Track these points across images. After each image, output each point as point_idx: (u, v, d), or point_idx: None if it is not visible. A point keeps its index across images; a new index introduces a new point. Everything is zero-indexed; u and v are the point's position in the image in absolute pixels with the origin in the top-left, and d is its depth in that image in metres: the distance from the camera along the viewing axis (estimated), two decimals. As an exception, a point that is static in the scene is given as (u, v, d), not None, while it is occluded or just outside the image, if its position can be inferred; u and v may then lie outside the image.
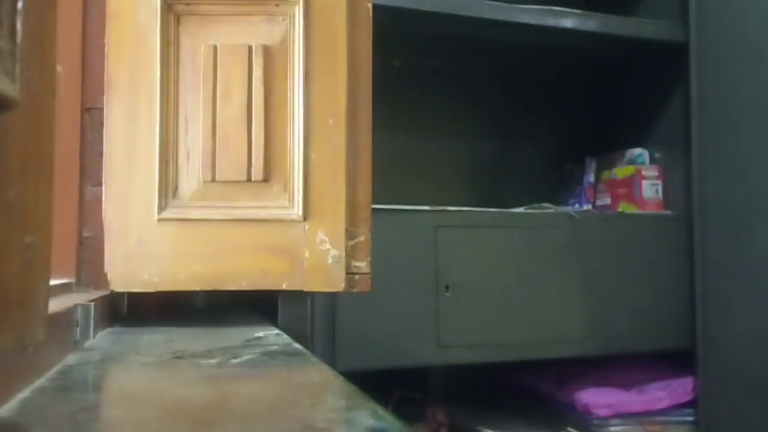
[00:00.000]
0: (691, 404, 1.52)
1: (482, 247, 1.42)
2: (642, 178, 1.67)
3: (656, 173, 1.68)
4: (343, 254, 0.83)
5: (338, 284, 0.83)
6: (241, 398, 0.46)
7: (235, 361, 0.59)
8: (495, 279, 1.41)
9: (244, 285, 0.83)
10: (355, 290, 0.85)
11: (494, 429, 1.49)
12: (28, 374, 0.45)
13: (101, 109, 0.84)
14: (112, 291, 0.82)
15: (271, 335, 0.75)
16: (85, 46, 0.85)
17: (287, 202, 0.84)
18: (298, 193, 0.83)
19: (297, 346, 0.68)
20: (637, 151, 1.72)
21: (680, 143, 1.61)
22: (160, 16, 0.83)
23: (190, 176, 0.83)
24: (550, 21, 1.52)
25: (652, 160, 1.70)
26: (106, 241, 0.82)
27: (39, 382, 0.47)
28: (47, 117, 0.40)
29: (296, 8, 0.84)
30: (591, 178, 1.81)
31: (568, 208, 1.67)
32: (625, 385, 1.52)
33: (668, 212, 1.64)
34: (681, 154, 1.61)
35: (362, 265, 0.85)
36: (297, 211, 0.83)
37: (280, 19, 0.85)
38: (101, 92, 0.83)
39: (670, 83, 1.66)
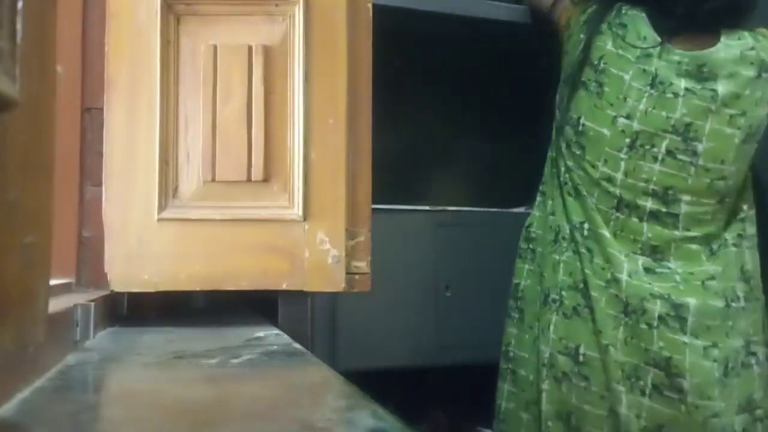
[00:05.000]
0: (691, 404, 1.52)
1: (482, 247, 1.42)
2: (642, 178, 1.66)
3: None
4: (343, 254, 0.83)
5: (338, 284, 0.83)
6: (241, 398, 0.46)
7: (235, 361, 0.59)
8: (495, 279, 1.41)
9: (244, 285, 0.83)
10: (355, 290, 0.85)
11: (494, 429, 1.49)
12: (28, 374, 0.45)
13: (101, 109, 0.84)
14: (112, 291, 0.82)
15: (271, 335, 0.75)
16: (85, 46, 0.85)
17: (287, 202, 0.84)
18: (298, 193, 0.83)
19: (297, 346, 0.68)
20: (637, 151, 1.72)
21: (680, 143, 1.61)
22: (160, 16, 0.83)
23: (190, 176, 0.83)
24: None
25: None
26: (106, 241, 0.82)
27: (39, 382, 0.47)
28: (47, 117, 0.41)
29: (296, 8, 0.84)
30: (591, 178, 1.81)
31: (568, 208, 1.67)
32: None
33: (668, 212, 1.64)
34: (681, 154, 1.61)
35: (362, 265, 0.85)
36: (297, 211, 0.83)
37: (280, 19, 0.85)
38: (101, 92, 0.83)
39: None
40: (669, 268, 1.14)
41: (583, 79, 1.21)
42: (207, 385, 0.51)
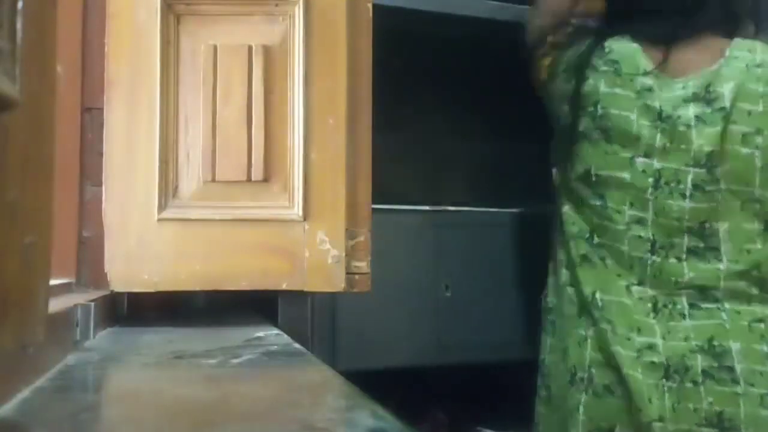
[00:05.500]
0: (691, 404, 1.51)
1: (482, 247, 1.42)
2: (642, 178, 1.66)
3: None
4: (343, 254, 0.83)
5: (338, 284, 0.83)
6: (241, 398, 0.46)
7: (235, 361, 0.59)
8: (495, 279, 1.41)
9: (244, 285, 0.83)
10: (355, 290, 0.85)
11: (494, 429, 1.49)
12: (28, 374, 0.45)
13: (101, 109, 0.84)
14: (112, 291, 0.82)
15: (271, 335, 0.75)
16: (85, 46, 0.85)
17: (287, 202, 0.84)
18: (298, 193, 0.83)
19: (297, 346, 0.68)
20: (637, 151, 1.72)
21: (680, 143, 1.61)
22: (160, 16, 0.83)
23: (190, 176, 0.83)
24: (550, 21, 1.52)
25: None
26: (106, 241, 0.82)
27: (39, 382, 0.47)
28: (47, 117, 0.41)
29: (296, 8, 0.84)
30: (591, 178, 1.80)
31: (568, 208, 1.67)
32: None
33: (668, 212, 1.63)
34: (681, 154, 1.61)
35: (362, 265, 0.85)
36: (297, 211, 0.83)
37: (280, 19, 0.85)
38: (101, 92, 0.83)
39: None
40: (716, 300, 1.06)
41: (581, 129, 1.14)
42: (207, 385, 0.51)
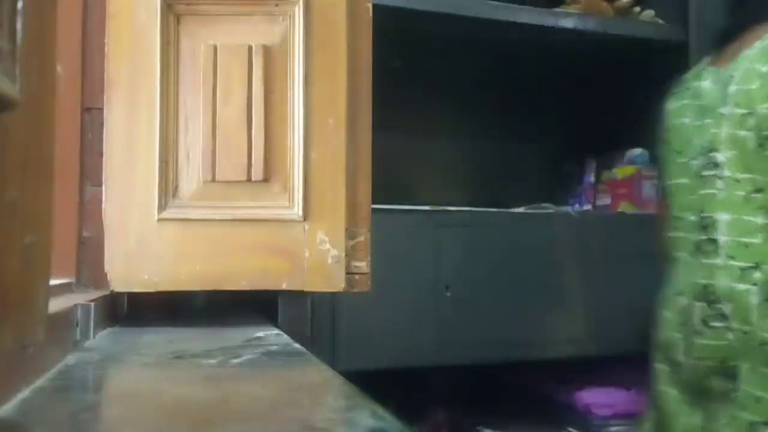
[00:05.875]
0: (691, 404, 1.51)
1: (482, 247, 1.42)
2: (642, 178, 1.66)
3: (656, 173, 1.68)
4: (343, 254, 0.83)
5: (338, 284, 0.83)
6: (241, 398, 0.46)
7: (235, 361, 0.59)
8: (495, 279, 1.41)
9: (244, 285, 0.83)
10: (355, 290, 0.85)
11: (494, 429, 1.49)
12: (28, 374, 0.45)
13: (101, 109, 0.84)
14: (112, 291, 0.82)
15: (271, 335, 0.75)
16: (85, 46, 0.85)
17: (287, 202, 0.84)
18: (298, 193, 0.83)
19: (297, 346, 0.68)
20: (637, 151, 1.72)
21: (680, 143, 1.61)
22: (160, 16, 0.83)
23: (190, 176, 0.83)
24: (550, 21, 1.52)
25: (652, 160, 1.70)
26: (106, 241, 0.82)
27: (39, 382, 0.47)
28: (47, 117, 0.41)
29: (296, 8, 0.84)
30: (591, 178, 1.81)
31: (568, 208, 1.67)
32: (626, 385, 1.52)
33: (668, 212, 1.63)
34: (681, 154, 1.61)
35: (362, 265, 0.85)
36: (297, 211, 0.83)
37: (280, 19, 0.85)
38: (101, 92, 0.83)
39: (670, 83, 1.66)
40: (726, 318, 1.01)
41: (660, 155, 1.19)
42: (207, 385, 0.51)
